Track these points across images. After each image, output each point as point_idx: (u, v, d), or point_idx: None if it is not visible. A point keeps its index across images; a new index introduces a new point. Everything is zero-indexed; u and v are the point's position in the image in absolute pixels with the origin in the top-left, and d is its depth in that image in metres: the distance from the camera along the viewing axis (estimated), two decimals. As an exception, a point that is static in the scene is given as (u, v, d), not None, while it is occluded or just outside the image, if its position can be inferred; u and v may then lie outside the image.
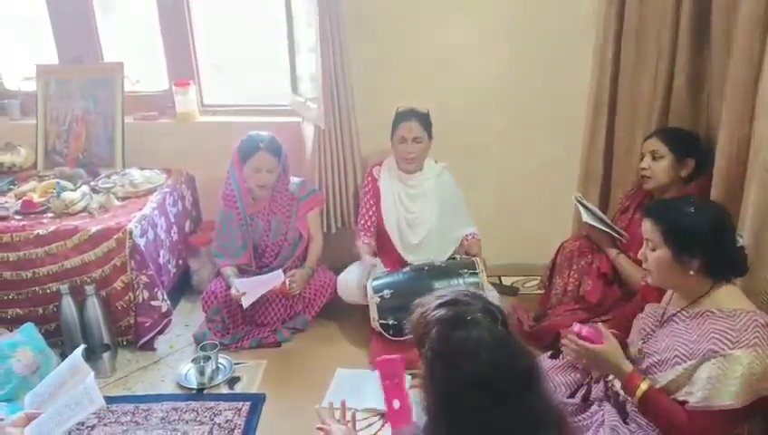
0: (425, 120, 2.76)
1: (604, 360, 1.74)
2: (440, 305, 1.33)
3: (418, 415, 1.34)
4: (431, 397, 1.29)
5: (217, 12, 3.44)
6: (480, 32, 2.95)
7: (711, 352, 1.59)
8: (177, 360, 2.70)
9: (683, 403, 1.64)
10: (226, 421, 2.31)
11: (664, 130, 2.43)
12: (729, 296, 1.68)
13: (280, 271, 2.76)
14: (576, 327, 1.82)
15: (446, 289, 1.41)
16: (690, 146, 2.34)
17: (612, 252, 2.51)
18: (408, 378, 2.39)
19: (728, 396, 1.56)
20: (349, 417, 1.69)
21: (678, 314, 1.74)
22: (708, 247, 1.66)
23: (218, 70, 3.59)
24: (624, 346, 1.90)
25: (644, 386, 1.68)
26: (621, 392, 1.79)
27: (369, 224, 2.90)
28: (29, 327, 2.53)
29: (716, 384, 1.57)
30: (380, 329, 2.60)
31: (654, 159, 2.36)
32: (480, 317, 1.29)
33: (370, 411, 2.31)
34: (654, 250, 1.73)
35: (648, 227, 1.75)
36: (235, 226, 2.86)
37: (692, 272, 1.68)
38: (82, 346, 2.01)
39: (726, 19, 2.10)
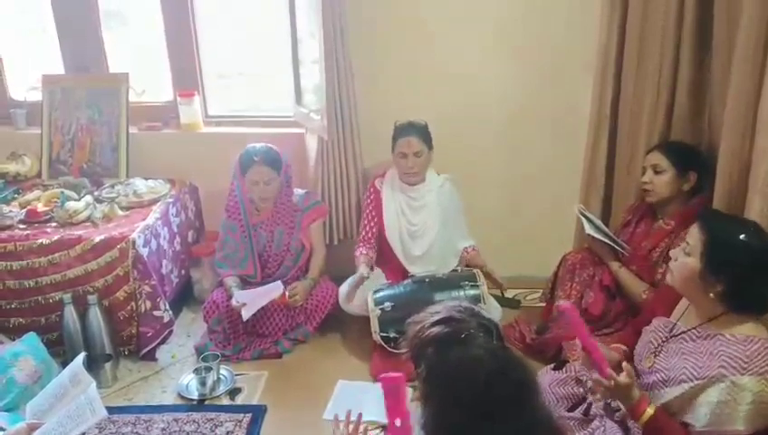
0: (424, 133, 2.77)
1: (626, 392, 1.68)
2: (435, 323, 1.33)
3: (417, 431, 1.34)
4: (428, 413, 1.29)
5: (222, 23, 3.46)
6: (482, 44, 2.96)
7: (720, 375, 1.57)
8: (178, 370, 2.70)
9: (686, 425, 1.63)
10: (227, 433, 2.31)
11: (665, 143, 2.44)
12: (742, 322, 1.63)
13: (279, 282, 2.76)
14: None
15: (439, 305, 1.40)
16: (692, 159, 2.34)
17: (614, 265, 2.51)
18: (409, 391, 2.40)
19: (737, 422, 1.55)
20: (360, 429, 1.69)
21: (689, 333, 1.71)
22: (738, 281, 1.60)
23: (223, 81, 3.60)
24: (629, 359, 1.90)
25: (650, 410, 1.66)
26: (622, 407, 1.79)
27: (369, 235, 2.90)
28: (31, 336, 2.53)
29: (725, 410, 1.55)
30: (381, 341, 2.59)
31: (656, 172, 2.36)
32: (475, 334, 1.29)
33: (372, 424, 2.30)
34: (688, 255, 1.68)
35: (693, 231, 1.69)
36: (238, 237, 2.87)
37: (712, 295, 1.63)
38: (83, 354, 2.01)
39: (727, 32, 2.11)
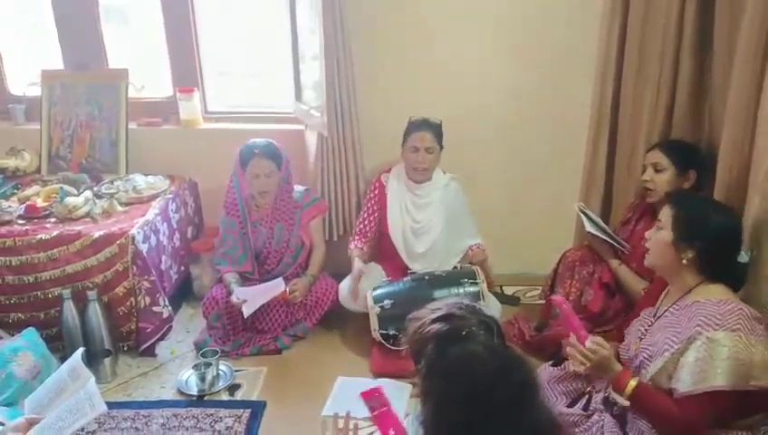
0: (437, 131, 2.77)
1: (604, 363, 1.77)
2: (435, 320, 1.33)
3: (415, 428, 1.34)
4: (427, 410, 1.29)
5: (222, 19, 3.45)
6: (482, 42, 2.96)
7: (696, 333, 1.64)
8: (177, 366, 2.70)
9: (672, 394, 1.67)
10: (227, 428, 2.31)
11: (666, 142, 2.44)
12: (719, 290, 1.74)
13: (280, 279, 2.76)
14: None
15: (441, 302, 1.41)
16: (692, 158, 2.34)
17: (614, 262, 2.52)
18: (409, 387, 2.42)
19: (716, 378, 1.59)
20: (351, 426, 1.69)
21: (670, 309, 1.81)
22: (706, 245, 1.74)
23: (222, 77, 3.59)
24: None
25: (633, 383, 1.73)
26: (619, 400, 1.79)
27: (366, 229, 2.90)
28: (30, 332, 2.53)
29: (703, 366, 1.61)
30: (381, 339, 2.59)
31: (656, 171, 2.36)
32: (475, 331, 1.29)
33: (371, 420, 2.31)
34: (660, 229, 1.83)
35: (664, 211, 1.85)
36: (237, 234, 2.86)
37: (685, 261, 1.76)
38: (82, 349, 2.01)
39: (729, 32, 2.11)
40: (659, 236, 1.82)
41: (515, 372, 1.26)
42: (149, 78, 3.41)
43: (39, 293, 2.65)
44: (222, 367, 2.61)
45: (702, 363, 1.61)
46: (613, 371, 1.76)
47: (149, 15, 3.23)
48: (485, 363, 1.23)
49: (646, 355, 1.78)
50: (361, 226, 2.92)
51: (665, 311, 1.82)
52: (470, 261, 2.83)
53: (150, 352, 2.73)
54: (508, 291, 3.21)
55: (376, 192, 2.91)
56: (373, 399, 1.58)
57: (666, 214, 1.83)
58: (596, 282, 2.54)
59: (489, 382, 1.22)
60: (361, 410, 2.30)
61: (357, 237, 2.90)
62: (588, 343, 1.77)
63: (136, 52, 3.51)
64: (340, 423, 1.68)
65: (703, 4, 2.27)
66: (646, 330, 1.86)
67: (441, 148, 2.80)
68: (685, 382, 1.63)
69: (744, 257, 1.83)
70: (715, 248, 1.74)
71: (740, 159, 2.00)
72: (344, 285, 2.83)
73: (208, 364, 2.53)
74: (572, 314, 1.87)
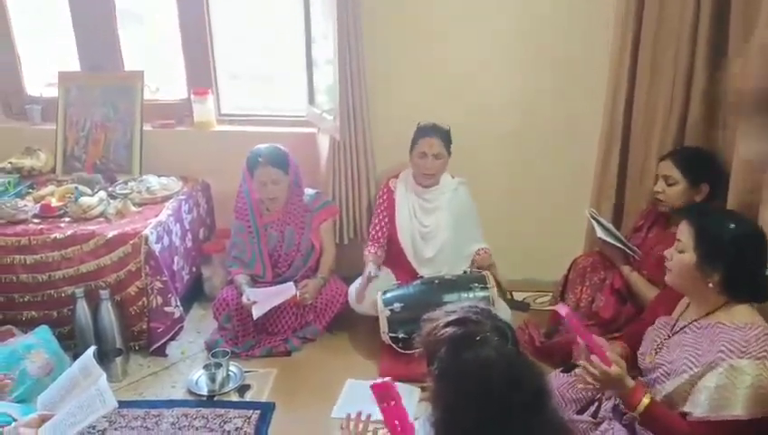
0: (446, 137, 2.77)
1: (615, 381, 1.71)
2: (450, 323, 1.33)
3: (427, 429, 1.34)
4: (438, 413, 1.29)
5: (237, 23, 3.48)
6: (496, 47, 2.97)
7: (719, 359, 1.58)
8: (188, 366, 2.71)
9: (685, 415, 1.64)
10: (236, 429, 2.32)
11: (678, 152, 2.40)
12: (743, 312, 1.67)
13: (291, 283, 2.77)
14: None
15: (455, 305, 1.41)
16: (704, 171, 2.30)
17: (625, 269, 2.50)
18: (417, 391, 2.41)
19: (735, 406, 1.55)
20: (370, 429, 1.70)
21: (690, 326, 1.74)
22: (733, 265, 1.64)
23: (236, 80, 3.62)
24: (634, 359, 1.92)
25: (646, 400, 1.68)
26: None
27: (379, 235, 2.91)
28: (43, 329, 2.56)
29: (724, 393, 1.56)
30: (390, 342, 2.60)
31: (668, 184, 2.34)
32: (489, 337, 1.29)
33: (380, 423, 2.30)
34: (681, 252, 1.73)
35: (682, 228, 1.74)
36: (246, 238, 2.88)
37: (710, 284, 1.67)
38: (93, 347, 2.03)
39: (742, 43, 2.10)
40: (681, 259, 1.72)
41: (528, 378, 1.26)
42: (164, 80, 3.44)
43: (52, 291, 2.67)
44: (232, 368, 2.62)
45: (723, 391, 1.56)
46: (625, 387, 1.70)
47: (165, 18, 3.26)
48: (498, 369, 1.23)
49: (663, 372, 1.74)
50: (374, 232, 2.93)
51: (684, 326, 1.76)
52: (477, 265, 2.82)
53: (161, 352, 2.75)
54: (518, 297, 3.19)
55: (384, 197, 2.92)
56: (383, 391, 1.58)
57: (685, 233, 1.72)
58: (607, 288, 2.53)
59: (501, 389, 1.22)
60: (372, 414, 2.29)
61: (370, 243, 2.91)
62: (612, 369, 1.68)
63: (151, 54, 3.55)
64: (352, 425, 1.68)
65: (717, 14, 2.26)
66: (662, 342, 1.81)
67: (449, 154, 2.80)
68: (702, 407, 1.59)
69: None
70: (742, 267, 1.64)
71: (753, 171, 1.98)
72: (354, 288, 2.84)
73: (219, 365, 2.54)
74: (581, 327, 1.81)
